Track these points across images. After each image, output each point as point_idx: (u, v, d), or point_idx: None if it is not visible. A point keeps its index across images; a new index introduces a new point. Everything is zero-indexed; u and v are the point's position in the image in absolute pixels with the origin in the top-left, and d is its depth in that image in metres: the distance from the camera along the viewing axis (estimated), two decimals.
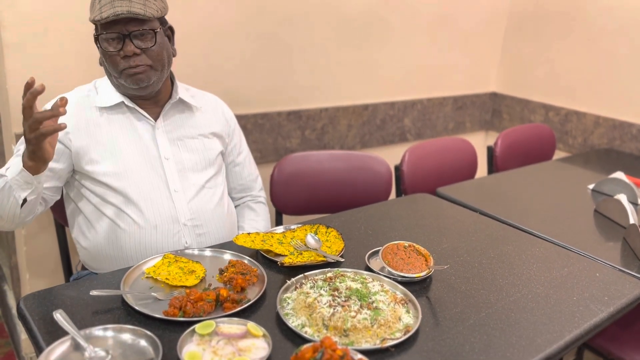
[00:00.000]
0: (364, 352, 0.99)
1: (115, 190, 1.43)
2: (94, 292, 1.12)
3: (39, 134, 1.12)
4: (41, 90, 1.09)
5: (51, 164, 1.40)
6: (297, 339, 1.03)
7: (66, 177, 1.47)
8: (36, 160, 1.19)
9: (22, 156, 1.21)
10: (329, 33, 2.45)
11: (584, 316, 1.17)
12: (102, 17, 1.32)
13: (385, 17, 2.61)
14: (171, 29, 1.50)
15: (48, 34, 1.79)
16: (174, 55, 1.51)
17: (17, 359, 2.12)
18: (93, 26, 1.40)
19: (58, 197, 1.49)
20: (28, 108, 1.11)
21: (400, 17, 2.67)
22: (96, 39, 1.39)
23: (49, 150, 1.18)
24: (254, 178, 1.77)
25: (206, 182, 1.55)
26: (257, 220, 1.72)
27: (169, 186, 1.48)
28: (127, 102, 1.46)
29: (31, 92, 1.09)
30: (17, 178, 1.23)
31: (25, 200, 1.28)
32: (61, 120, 1.39)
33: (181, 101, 1.54)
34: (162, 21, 1.45)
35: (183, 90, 1.57)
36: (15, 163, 1.26)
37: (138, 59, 1.38)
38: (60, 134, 1.40)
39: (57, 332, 1.01)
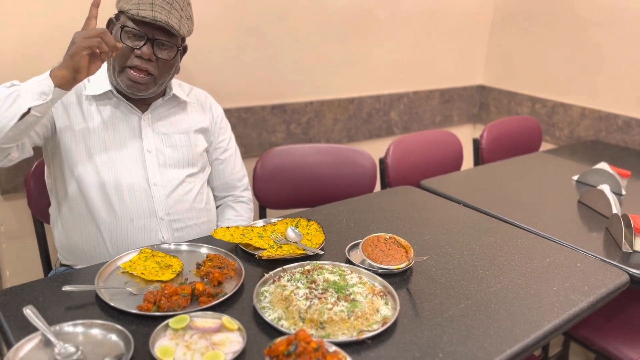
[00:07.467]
0: (340, 344, 0.97)
1: (94, 180, 1.41)
2: (66, 288, 1.10)
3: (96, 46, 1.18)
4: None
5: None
6: (274, 332, 1.02)
7: (46, 133, 1.41)
8: (70, 70, 1.18)
9: (52, 69, 1.21)
10: (314, 26, 2.43)
11: (563, 306, 1.16)
12: (138, 15, 1.33)
13: (371, 10, 2.59)
14: (185, 49, 1.51)
15: (37, 11, 1.74)
16: (177, 72, 1.51)
17: None
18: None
19: (31, 153, 1.39)
20: (93, 19, 1.22)
21: (386, 10, 2.65)
22: (117, 25, 1.38)
23: (85, 65, 1.19)
24: (239, 178, 1.73)
25: (186, 177, 1.53)
26: (235, 219, 1.67)
27: (149, 179, 1.46)
28: (115, 92, 1.44)
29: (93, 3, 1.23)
30: (32, 85, 1.19)
31: (24, 115, 1.20)
32: (57, 111, 1.40)
33: (173, 97, 1.54)
34: (182, 39, 1.47)
35: (176, 87, 1.56)
36: (33, 79, 1.22)
37: (149, 64, 1.38)
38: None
39: (28, 329, 0.99)
